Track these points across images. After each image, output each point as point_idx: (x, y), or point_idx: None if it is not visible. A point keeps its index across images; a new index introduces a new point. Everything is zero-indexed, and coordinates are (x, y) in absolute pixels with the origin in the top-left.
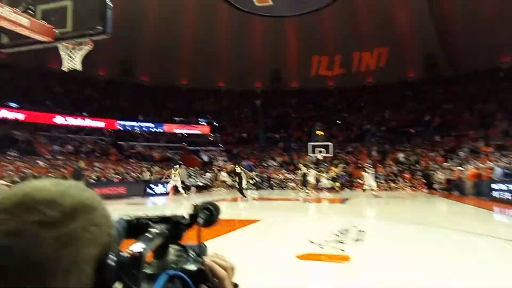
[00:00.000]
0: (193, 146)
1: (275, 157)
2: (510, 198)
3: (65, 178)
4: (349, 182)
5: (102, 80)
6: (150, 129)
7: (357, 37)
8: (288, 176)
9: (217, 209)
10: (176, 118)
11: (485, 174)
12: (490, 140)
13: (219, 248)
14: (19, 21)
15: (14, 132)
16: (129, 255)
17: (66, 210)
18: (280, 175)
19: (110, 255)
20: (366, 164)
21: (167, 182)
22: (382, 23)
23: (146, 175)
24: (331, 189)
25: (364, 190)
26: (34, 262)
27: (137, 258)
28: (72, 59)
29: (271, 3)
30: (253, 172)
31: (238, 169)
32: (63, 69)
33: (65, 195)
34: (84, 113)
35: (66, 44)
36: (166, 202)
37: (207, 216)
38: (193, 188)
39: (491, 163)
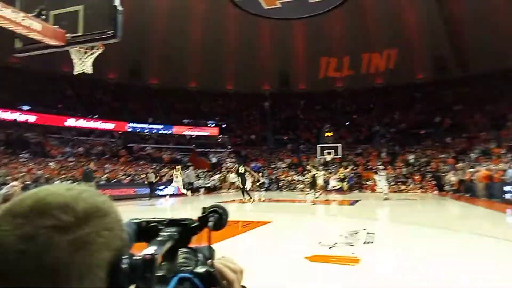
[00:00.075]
0: (202, 148)
1: (284, 159)
2: None
3: (76, 179)
4: (358, 184)
5: (112, 83)
6: (160, 131)
7: (366, 38)
8: (297, 178)
9: (225, 212)
10: (185, 121)
11: (497, 176)
12: (502, 141)
13: (228, 250)
14: (32, 26)
15: (26, 135)
16: (142, 259)
17: (79, 215)
18: (288, 176)
19: (123, 259)
20: (377, 166)
21: (170, 183)
22: (391, 25)
23: (152, 177)
24: (340, 191)
25: (381, 192)
26: (48, 266)
27: (150, 262)
28: (83, 62)
29: (279, 5)
30: (260, 174)
31: (241, 170)
32: (74, 72)
33: (78, 199)
34: (94, 116)
35: (78, 48)
36: (173, 204)
37: (217, 219)
38: (202, 190)
39: (503, 165)
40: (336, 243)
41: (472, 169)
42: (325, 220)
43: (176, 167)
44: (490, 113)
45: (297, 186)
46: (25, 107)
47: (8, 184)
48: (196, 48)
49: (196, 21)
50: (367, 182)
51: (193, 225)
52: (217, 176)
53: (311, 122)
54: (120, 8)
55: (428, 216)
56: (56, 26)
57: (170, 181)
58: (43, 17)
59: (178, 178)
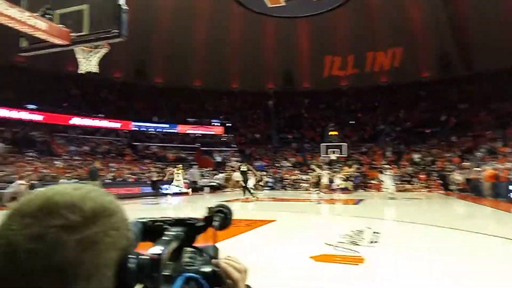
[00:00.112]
0: (206, 146)
1: (288, 157)
2: None
3: (82, 178)
4: (363, 183)
5: (118, 82)
6: (164, 130)
7: (371, 37)
8: (301, 176)
9: (230, 212)
10: (190, 119)
11: (503, 175)
12: (508, 140)
13: (232, 249)
14: (38, 25)
15: (32, 133)
16: (149, 258)
17: (87, 214)
18: (293, 175)
19: (130, 259)
20: (384, 165)
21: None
22: (396, 23)
23: (154, 176)
24: (345, 190)
25: (387, 191)
26: (57, 265)
27: (157, 261)
28: (88, 61)
29: (283, 3)
30: (263, 172)
31: (244, 168)
32: (79, 71)
33: (86, 199)
34: (100, 115)
35: (83, 47)
36: (178, 202)
37: (222, 219)
38: (206, 188)
39: (509, 164)
40: (340, 243)
41: (478, 168)
42: (329, 219)
43: (177, 165)
44: (496, 111)
45: (302, 185)
46: (31, 106)
47: (14, 182)
48: (201, 47)
49: (200, 20)
50: (372, 181)
51: (199, 224)
52: (222, 175)
53: (315, 121)
54: (125, 7)
55: (433, 215)
56: (61, 25)
57: (171, 180)
58: (48, 16)
59: (179, 176)
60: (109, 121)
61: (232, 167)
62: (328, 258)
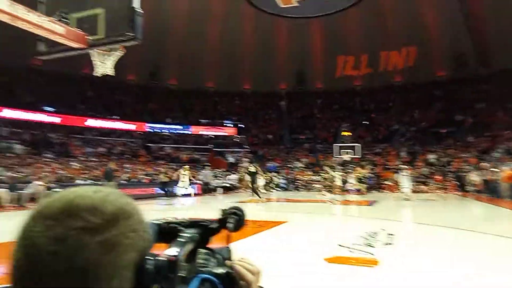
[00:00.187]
0: (219, 147)
1: (301, 158)
2: None
3: (98, 179)
4: (377, 184)
5: (132, 84)
6: (178, 131)
7: (384, 36)
8: (314, 177)
9: (244, 214)
10: (203, 120)
11: None
12: None
13: (245, 250)
14: (55, 29)
15: (50, 135)
16: (166, 260)
17: (107, 217)
18: (305, 176)
19: (148, 260)
20: (400, 165)
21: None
22: (410, 22)
23: (163, 177)
24: (358, 191)
25: (402, 192)
26: (79, 266)
27: (173, 262)
28: (104, 64)
29: (295, 4)
30: (274, 174)
31: (252, 169)
32: (95, 74)
33: (106, 201)
34: (115, 116)
35: (99, 51)
36: (191, 203)
37: (236, 220)
38: (219, 189)
39: None
40: (355, 244)
41: (495, 169)
42: (343, 221)
43: (184, 166)
44: None
45: (314, 186)
46: (49, 109)
47: (32, 183)
48: (214, 48)
49: (213, 22)
50: (386, 182)
51: (213, 226)
52: (235, 175)
53: (328, 121)
54: (140, 10)
55: (449, 217)
56: (77, 29)
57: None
58: (65, 20)
59: (185, 178)
60: (124, 123)
61: (245, 167)
62: (342, 260)
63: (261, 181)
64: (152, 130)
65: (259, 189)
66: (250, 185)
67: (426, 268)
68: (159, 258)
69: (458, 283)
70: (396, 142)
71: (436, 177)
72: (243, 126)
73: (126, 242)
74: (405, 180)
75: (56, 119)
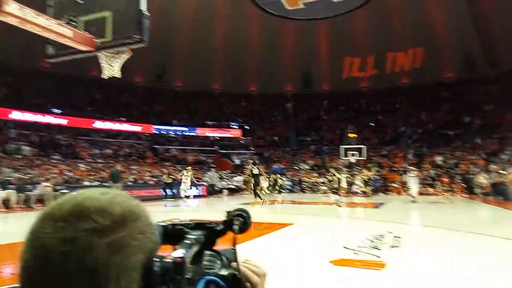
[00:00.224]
0: (225, 149)
1: (307, 160)
2: None
3: (104, 180)
4: (384, 186)
5: (139, 86)
6: (184, 133)
7: (391, 37)
8: (320, 179)
9: (249, 216)
10: (209, 122)
11: None
12: None
13: (251, 252)
14: (64, 32)
15: (57, 137)
16: (173, 261)
17: (116, 219)
18: (311, 178)
19: (155, 262)
20: (408, 166)
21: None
22: (417, 23)
23: (165, 178)
24: (365, 193)
25: (409, 195)
26: (89, 267)
27: (180, 264)
28: (111, 67)
29: (302, 6)
30: (278, 175)
31: (255, 171)
32: (103, 76)
33: (114, 203)
34: (122, 118)
35: (106, 53)
36: (196, 205)
37: (241, 222)
38: (225, 191)
39: None
40: (361, 247)
41: (503, 171)
42: (349, 223)
43: (186, 168)
44: None
45: (320, 188)
46: (57, 111)
47: (40, 185)
48: (220, 50)
49: (219, 24)
50: (393, 185)
51: (218, 228)
52: (240, 177)
53: (334, 123)
54: (146, 13)
55: (457, 219)
56: (85, 32)
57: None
58: (73, 23)
59: (187, 180)
60: (131, 125)
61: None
62: (348, 263)
63: (264, 183)
64: (158, 132)
65: (262, 191)
66: (252, 187)
67: (433, 271)
68: (166, 260)
69: (464, 286)
70: (403, 144)
71: (443, 179)
72: (249, 127)
73: (134, 244)
74: (412, 181)
75: (64, 121)
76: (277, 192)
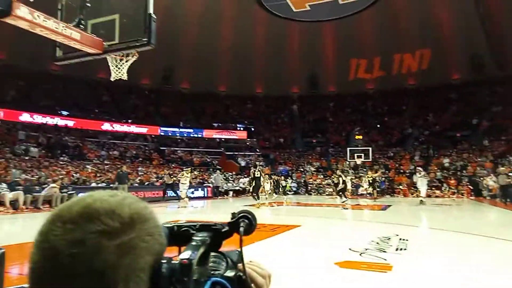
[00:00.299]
0: (231, 151)
1: (312, 162)
2: None
3: (111, 182)
4: (390, 188)
5: (146, 88)
6: (190, 134)
7: (398, 39)
8: (325, 181)
9: (254, 218)
10: (215, 124)
11: None
12: None
13: (256, 254)
14: (72, 35)
15: (65, 138)
16: (180, 263)
17: (125, 221)
18: (317, 180)
19: (163, 263)
20: (417, 167)
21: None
22: (424, 24)
23: (167, 179)
24: (371, 195)
25: (420, 199)
26: (98, 269)
27: (187, 266)
28: (119, 69)
29: (308, 8)
30: (282, 177)
31: (257, 174)
32: (111, 79)
33: (123, 205)
34: (129, 120)
35: (114, 56)
36: (201, 206)
37: (247, 224)
38: (230, 193)
39: None
40: (367, 249)
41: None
42: (355, 225)
43: (185, 168)
44: None
45: (326, 189)
46: (65, 113)
47: (48, 186)
48: (226, 52)
49: (226, 27)
50: (399, 187)
51: (224, 230)
52: (246, 179)
53: (340, 125)
54: (154, 16)
55: (464, 222)
56: (94, 35)
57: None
58: (82, 26)
59: (186, 181)
60: (138, 126)
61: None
62: (354, 265)
63: (266, 185)
64: (165, 134)
65: (263, 193)
66: (251, 189)
67: (440, 274)
68: (174, 261)
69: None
70: (410, 146)
71: (451, 181)
72: (255, 129)
73: (142, 246)
74: (420, 182)
75: (72, 123)
76: (281, 193)
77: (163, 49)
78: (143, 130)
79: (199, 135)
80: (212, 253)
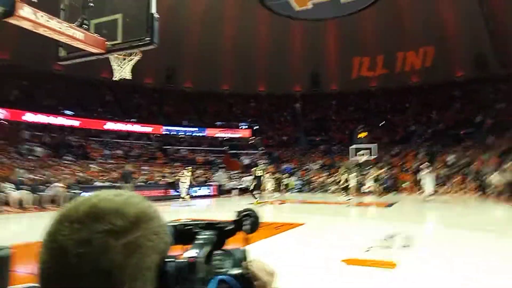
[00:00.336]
0: (234, 149)
1: (316, 160)
2: None
3: (115, 181)
4: (395, 185)
5: (149, 88)
6: (193, 133)
7: (401, 36)
8: (329, 179)
9: (258, 216)
10: (218, 123)
11: None
12: None
13: (261, 252)
14: (75, 35)
15: (69, 138)
16: (186, 261)
17: (131, 220)
18: (321, 178)
19: (169, 262)
20: (422, 164)
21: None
22: (427, 21)
23: (170, 178)
24: (375, 193)
25: (426, 196)
26: (105, 268)
27: (194, 264)
28: (122, 68)
29: (310, 6)
30: (285, 175)
31: (259, 173)
32: (114, 78)
33: (128, 204)
34: (132, 119)
35: (117, 55)
36: (206, 205)
37: (251, 222)
38: (234, 191)
39: None
40: (372, 247)
41: None
42: (360, 223)
43: (186, 167)
44: None
45: (330, 187)
46: (69, 112)
47: (53, 185)
48: (229, 51)
49: (228, 25)
50: (404, 184)
51: (229, 228)
52: (250, 177)
53: (343, 123)
54: (156, 15)
55: (469, 219)
56: (96, 35)
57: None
58: (85, 26)
59: (186, 179)
60: (141, 126)
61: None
62: (360, 262)
63: (269, 184)
64: (168, 133)
65: (264, 191)
66: (252, 187)
67: (444, 271)
68: (180, 260)
69: (476, 286)
70: (414, 144)
71: (455, 179)
72: (258, 128)
73: (149, 245)
74: (426, 179)
75: (76, 122)
76: (284, 191)
77: (166, 49)
78: (146, 129)
79: (203, 134)
80: (218, 251)
